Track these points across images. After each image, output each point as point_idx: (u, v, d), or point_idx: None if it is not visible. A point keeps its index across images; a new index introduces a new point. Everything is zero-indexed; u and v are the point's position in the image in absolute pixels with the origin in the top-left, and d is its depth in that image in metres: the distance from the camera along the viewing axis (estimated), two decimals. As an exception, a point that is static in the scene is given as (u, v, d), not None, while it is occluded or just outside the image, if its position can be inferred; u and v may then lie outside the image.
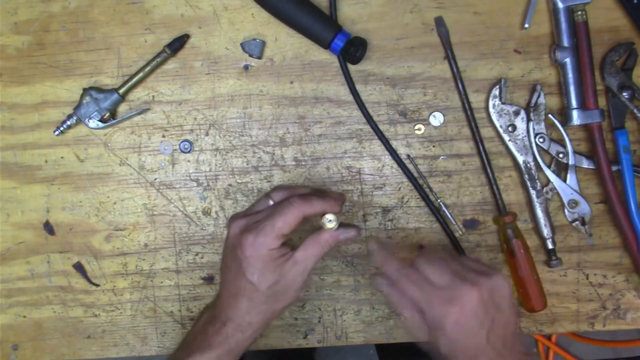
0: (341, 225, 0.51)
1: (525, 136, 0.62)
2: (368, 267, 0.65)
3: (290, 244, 0.52)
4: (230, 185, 0.65)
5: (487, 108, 0.63)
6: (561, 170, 0.63)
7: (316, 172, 0.65)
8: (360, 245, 0.65)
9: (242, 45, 0.64)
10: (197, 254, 0.66)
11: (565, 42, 0.61)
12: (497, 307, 0.49)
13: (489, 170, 0.63)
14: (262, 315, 0.51)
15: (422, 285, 0.49)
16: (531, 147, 0.62)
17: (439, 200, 0.64)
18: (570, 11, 0.60)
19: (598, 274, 0.65)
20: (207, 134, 0.65)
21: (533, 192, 0.63)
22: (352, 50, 0.60)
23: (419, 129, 0.64)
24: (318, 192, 0.53)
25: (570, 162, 0.62)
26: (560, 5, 0.60)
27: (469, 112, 0.62)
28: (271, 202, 0.52)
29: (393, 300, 0.51)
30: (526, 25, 0.62)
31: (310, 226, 0.60)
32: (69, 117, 0.64)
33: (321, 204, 0.49)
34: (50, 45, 0.65)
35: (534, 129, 0.62)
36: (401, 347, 0.87)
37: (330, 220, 0.50)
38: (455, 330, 0.47)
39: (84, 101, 0.63)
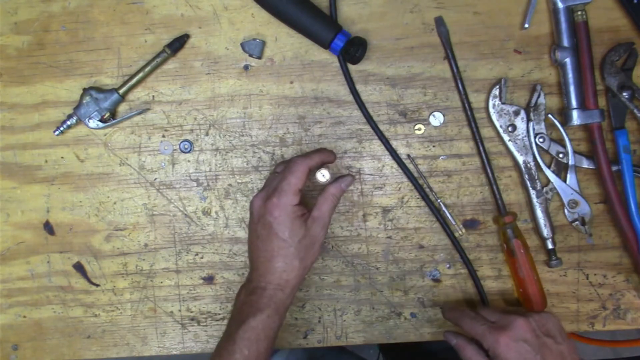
0: (336, 178, 0.58)
1: (525, 136, 0.62)
2: (368, 267, 0.65)
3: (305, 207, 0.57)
4: (230, 185, 0.65)
5: (487, 108, 0.63)
6: (561, 170, 0.63)
7: (316, 172, 0.65)
8: (360, 245, 0.65)
9: (242, 45, 0.64)
10: (197, 254, 0.66)
11: (565, 42, 0.61)
12: (549, 335, 0.55)
13: (489, 170, 0.63)
14: (297, 272, 0.55)
15: (479, 321, 0.57)
16: (531, 147, 0.62)
17: (439, 200, 0.64)
18: (570, 11, 0.60)
19: (598, 274, 0.65)
20: (207, 134, 0.65)
21: (533, 192, 0.63)
22: (352, 50, 0.60)
23: (419, 129, 0.64)
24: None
25: (570, 162, 0.62)
26: (560, 5, 0.60)
27: (469, 112, 0.62)
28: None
29: (460, 349, 0.58)
30: (526, 25, 0.62)
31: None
32: (69, 117, 0.64)
33: (318, 155, 0.57)
34: (50, 45, 0.65)
35: (534, 129, 0.62)
36: (407, 347, 0.86)
37: (323, 175, 0.57)
38: (508, 353, 0.53)
39: (84, 101, 0.63)
